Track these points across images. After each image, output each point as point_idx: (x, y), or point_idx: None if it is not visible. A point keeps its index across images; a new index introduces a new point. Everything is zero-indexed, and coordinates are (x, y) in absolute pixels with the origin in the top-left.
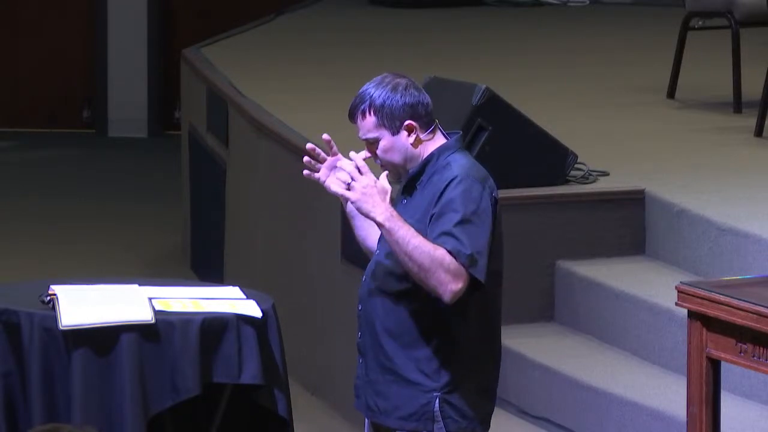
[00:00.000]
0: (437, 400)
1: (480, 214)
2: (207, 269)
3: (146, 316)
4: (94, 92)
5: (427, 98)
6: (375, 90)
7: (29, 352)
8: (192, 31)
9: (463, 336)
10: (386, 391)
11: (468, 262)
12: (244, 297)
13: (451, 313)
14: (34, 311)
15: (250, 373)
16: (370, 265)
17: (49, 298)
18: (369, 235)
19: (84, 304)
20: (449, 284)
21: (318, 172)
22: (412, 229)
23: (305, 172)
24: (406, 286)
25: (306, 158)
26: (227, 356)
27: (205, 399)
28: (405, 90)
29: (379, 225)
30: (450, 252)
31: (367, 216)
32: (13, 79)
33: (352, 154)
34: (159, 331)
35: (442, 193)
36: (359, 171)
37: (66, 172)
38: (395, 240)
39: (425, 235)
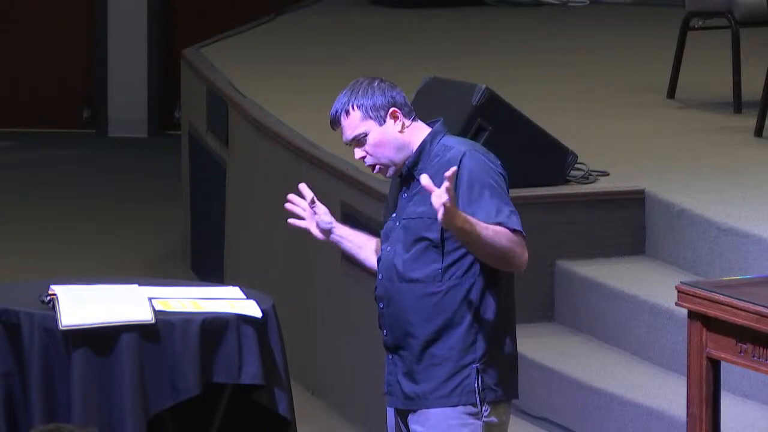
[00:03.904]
0: (476, 372)
1: (499, 178)
2: (207, 269)
3: (146, 316)
4: (94, 92)
5: (401, 92)
6: (352, 90)
7: (29, 352)
8: (192, 31)
9: (492, 307)
10: (425, 376)
11: (519, 226)
12: (244, 297)
13: (484, 286)
14: (34, 311)
15: (250, 373)
16: (385, 264)
17: (49, 298)
18: (365, 253)
19: (84, 304)
20: (523, 256)
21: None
22: (480, 222)
23: (290, 220)
24: (436, 269)
25: (288, 205)
26: (227, 356)
27: (205, 399)
28: (381, 83)
29: (460, 229)
30: (505, 225)
31: (451, 226)
32: (13, 79)
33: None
34: (159, 331)
35: (459, 169)
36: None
37: (66, 172)
38: (476, 236)
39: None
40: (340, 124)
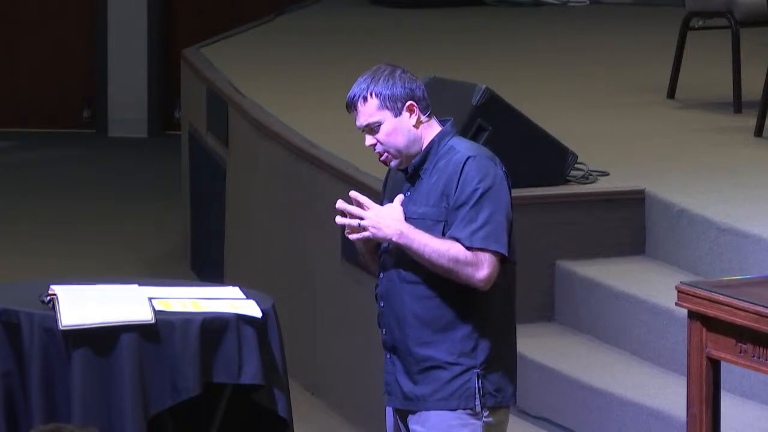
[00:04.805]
0: (476, 377)
1: (496, 188)
2: (207, 269)
3: (146, 316)
4: (94, 92)
5: (422, 85)
6: (373, 77)
7: (29, 352)
8: (192, 31)
9: (493, 313)
10: (424, 377)
11: (484, 243)
12: (244, 297)
13: (484, 291)
14: (34, 311)
15: (250, 373)
16: (387, 263)
17: (49, 298)
18: None
19: (84, 304)
20: (475, 275)
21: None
22: (426, 236)
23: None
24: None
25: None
26: (227, 356)
27: (205, 399)
28: (402, 74)
29: (395, 245)
30: (462, 241)
31: (384, 242)
32: (13, 79)
33: (351, 193)
34: (159, 331)
35: (460, 175)
36: (362, 207)
37: (66, 172)
38: (413, 253)
39: (444, 219)
40: (356, 109)
